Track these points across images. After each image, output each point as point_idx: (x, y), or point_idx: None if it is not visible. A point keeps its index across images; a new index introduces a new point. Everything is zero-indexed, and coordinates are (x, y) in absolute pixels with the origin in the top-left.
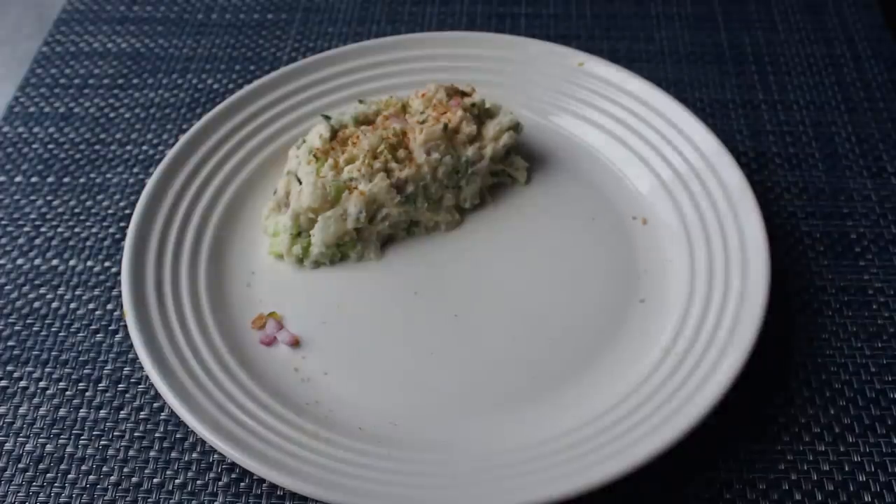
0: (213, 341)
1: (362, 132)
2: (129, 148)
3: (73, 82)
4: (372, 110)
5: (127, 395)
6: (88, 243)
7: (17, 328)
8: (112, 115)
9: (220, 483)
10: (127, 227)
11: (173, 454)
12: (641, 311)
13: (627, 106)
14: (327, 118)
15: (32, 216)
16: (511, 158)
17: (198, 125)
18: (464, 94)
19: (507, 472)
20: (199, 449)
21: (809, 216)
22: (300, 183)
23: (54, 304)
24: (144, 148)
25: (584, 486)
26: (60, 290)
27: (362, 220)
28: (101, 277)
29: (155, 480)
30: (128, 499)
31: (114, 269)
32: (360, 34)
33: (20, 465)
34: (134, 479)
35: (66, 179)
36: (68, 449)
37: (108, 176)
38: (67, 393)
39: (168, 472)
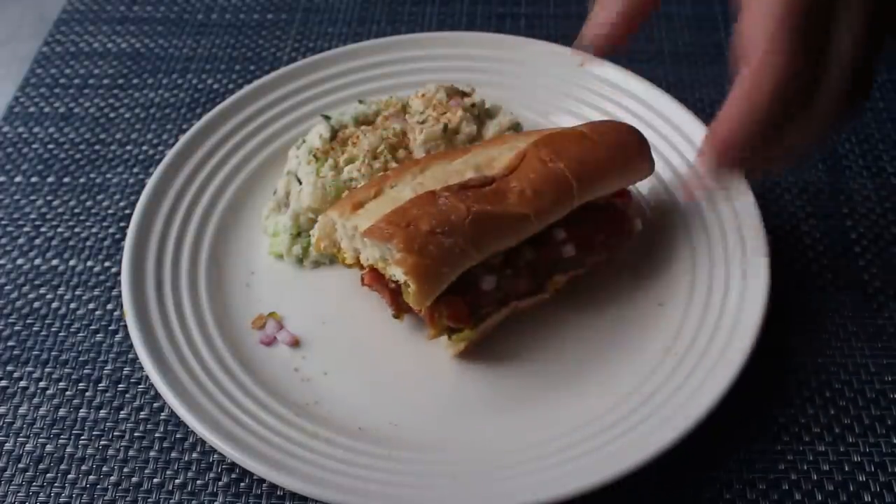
0: (213, 341)
1: (362, 132)
2: (129, 148)
3: (73, 82)
4: (372, 110)
5: (127, 395)
6: (88, 243)
7: (17, 328)
8: (112, 115)
9: (220, 483)
10: (127, 227)
11: (173, 454)
12: (641, 311)
13: (627, 106)
14: (327, 118)
15: (32, 216)
16: None
17: (198, 125)
18: (464, 95)
19: (507, 472)
20: (199, 449)
21: (809, 216)
22: (300, 183)
23: (54, 304)
24: (144, 148)
25: (585, 486)
26: (60, 290)
27: None
28: (101, 277)
29: (155, 480)
30: (128, 499)
31: (114, 269)
32: (360, 34)
33: (20, 465)
34: (134, 479)
35: (66, 179)
36: (68, 449)
37: (108, 176)
38: (67, 393)
39: (168, 472)
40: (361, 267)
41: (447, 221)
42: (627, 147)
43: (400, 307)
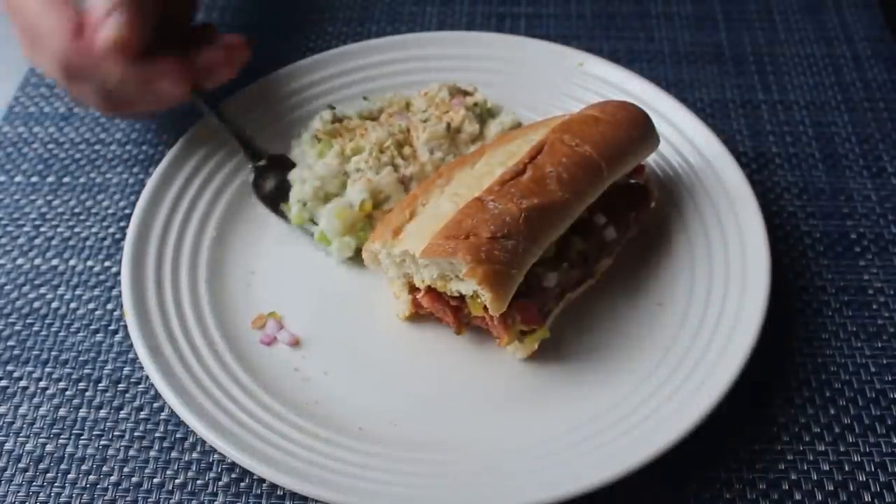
0: (213, 341)
1: (370, 125)
2: (128, 148)
3: None
4: (376, 107)
5: (127, 395)
6: (88, 243)
7: (17, 328)
8: None
9: (220, 483)
10: (127, 227)
11: (173, 454)
12: (641, 311)
13: None
14: (332, 108)
15: (32, 216)
16: None
17: (198, 124)
18: (466, 94)
19: (507, 471)
20: (199, 449)
21: (809, 216)
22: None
23: (54, 304)
24: (144, 148)
25: (585, 486)
26: (60, 290)
27: (367, 206)
28: (101, 277)
29: (155, 480)
30: (128, 499)
31: (114, 269)
32: (360, 34)
33: (20, 465)
34: (134, 479)
35: (66, 179)
36: (68, 449)
37: (108, 176)
38: (67, 393)
39: (168, 472)
40: (413, 292)
41: (504, 224)
42: (638, 123)
43: (461, 322)
